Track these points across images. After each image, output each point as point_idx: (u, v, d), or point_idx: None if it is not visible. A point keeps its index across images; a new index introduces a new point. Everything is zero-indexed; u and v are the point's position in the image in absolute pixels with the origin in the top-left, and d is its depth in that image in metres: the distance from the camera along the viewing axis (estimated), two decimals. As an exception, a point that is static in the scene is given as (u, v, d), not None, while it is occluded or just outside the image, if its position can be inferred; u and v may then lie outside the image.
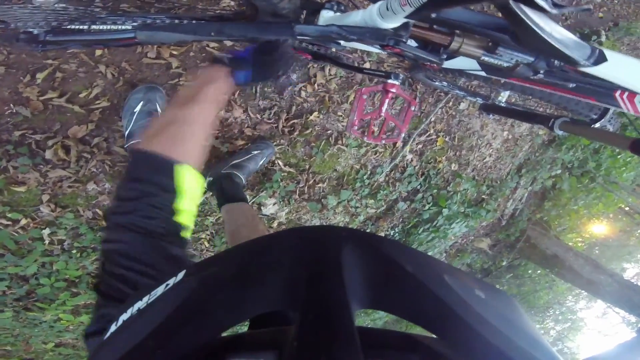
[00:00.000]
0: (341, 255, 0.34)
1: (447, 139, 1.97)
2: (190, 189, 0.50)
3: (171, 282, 0.37)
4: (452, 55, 0.83)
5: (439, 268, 0.37)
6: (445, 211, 2.32)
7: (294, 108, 1.33)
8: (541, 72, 0.71)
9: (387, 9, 0.56)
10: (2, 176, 1.14)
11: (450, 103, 1.86)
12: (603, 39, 2.39)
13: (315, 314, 0.27)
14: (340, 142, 1.52)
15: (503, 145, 2.52)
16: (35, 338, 1.69)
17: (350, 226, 2.04)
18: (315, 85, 1.27)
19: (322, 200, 1.71)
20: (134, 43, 0.77)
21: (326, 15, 0.73)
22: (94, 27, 0.73)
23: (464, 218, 2.59)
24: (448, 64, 0.89)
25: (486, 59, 0.70)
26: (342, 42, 0.78)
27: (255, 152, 1.32)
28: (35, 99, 1.03)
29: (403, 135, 0.92)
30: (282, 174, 1.49)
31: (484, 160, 2.48)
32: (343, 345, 0.24)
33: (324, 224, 1.88)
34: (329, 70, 1.26)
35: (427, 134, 1.86)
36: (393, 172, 1.90)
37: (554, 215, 3.38)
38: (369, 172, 1.78)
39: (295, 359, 0.23)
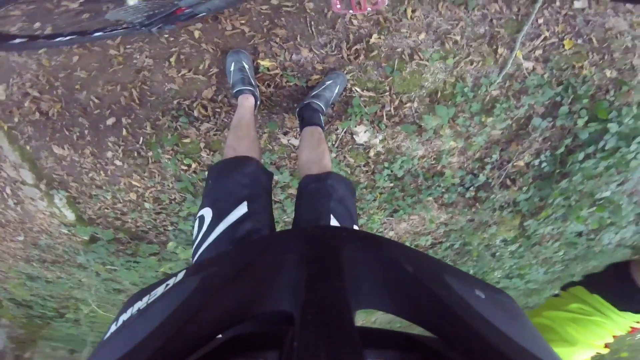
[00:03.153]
0: (341, 256, 0.34)
1: (578, 41, 1.54)
2: None
3: (171, 282, 0.37)
4: None
5: (439, 268, 0.37)
6: (612, 126, 1.76)
7: (351, 36, 1.39)
8: None
9: None
10: (175, 133, 1.75)
11: (557, 3, 1.45)
12: None
13: (315, 314, 0.27)
14: (417, 57, 1.46)
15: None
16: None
17: (468, 152, 1.88)
18: (366, 12, 1.30)
19: (418, 121, 1.67)
20: (188, 12, 1.10)
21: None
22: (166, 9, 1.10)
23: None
24: None
25: None
26: None
27: (329, 82, 1.47)
28: (176, 76, 1.54)
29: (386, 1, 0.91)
30: (363, 99, 1.57)
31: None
32: (343, 345, 0.23)
33: (429, 150, 1.83)
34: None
35: (542, 38, 1.51)
36: (508, 82, 1.62)
37: None
38: (470, 85, 1.60)
39: (296, 359, 0.23)
